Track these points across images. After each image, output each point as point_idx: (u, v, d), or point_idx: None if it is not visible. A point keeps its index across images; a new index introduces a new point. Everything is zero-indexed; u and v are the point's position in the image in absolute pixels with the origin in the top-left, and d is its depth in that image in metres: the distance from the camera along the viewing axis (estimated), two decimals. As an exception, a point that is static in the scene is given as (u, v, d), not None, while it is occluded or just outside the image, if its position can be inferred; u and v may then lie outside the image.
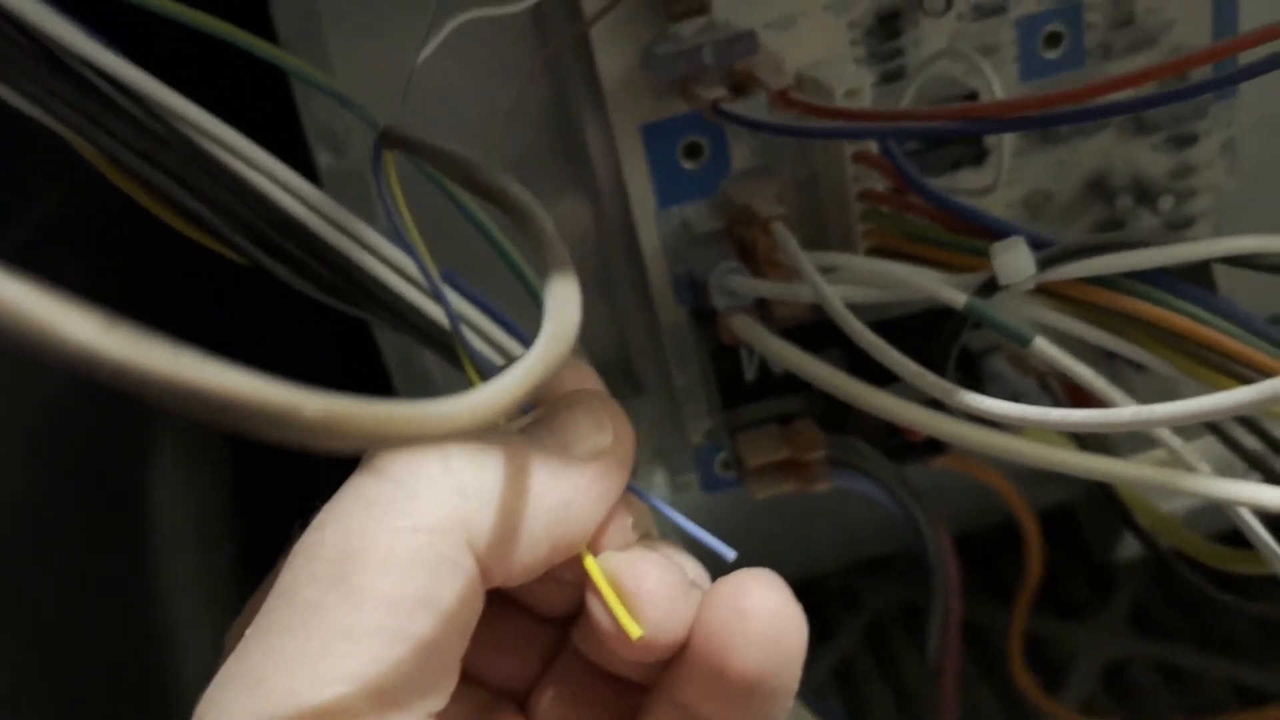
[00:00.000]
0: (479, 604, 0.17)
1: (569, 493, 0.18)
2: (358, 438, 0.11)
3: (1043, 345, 0.22)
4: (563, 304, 0.15)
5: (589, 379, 0.21)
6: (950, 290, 0.22)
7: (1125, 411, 0.18)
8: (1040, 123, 0.22)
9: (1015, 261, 0.22)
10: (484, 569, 0.17)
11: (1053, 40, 0.28)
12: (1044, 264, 0.22)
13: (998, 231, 0.23)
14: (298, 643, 0.15)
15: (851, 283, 0.24)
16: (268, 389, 0.10)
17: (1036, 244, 0.23)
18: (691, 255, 0.28)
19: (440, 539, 0.16)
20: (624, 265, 0.30)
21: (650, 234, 0.29)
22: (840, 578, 0.47)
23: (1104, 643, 0.44)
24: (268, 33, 0.29)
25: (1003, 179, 0.25)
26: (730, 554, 0.20)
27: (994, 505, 0.38)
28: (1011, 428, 0.23)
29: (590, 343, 0.29)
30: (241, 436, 0.11)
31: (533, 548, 0.17)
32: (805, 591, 0.19)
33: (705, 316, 0.28)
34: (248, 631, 0.16)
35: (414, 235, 0.22)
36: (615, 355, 0.32)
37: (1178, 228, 0.30)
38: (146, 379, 0.10)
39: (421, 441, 0.13)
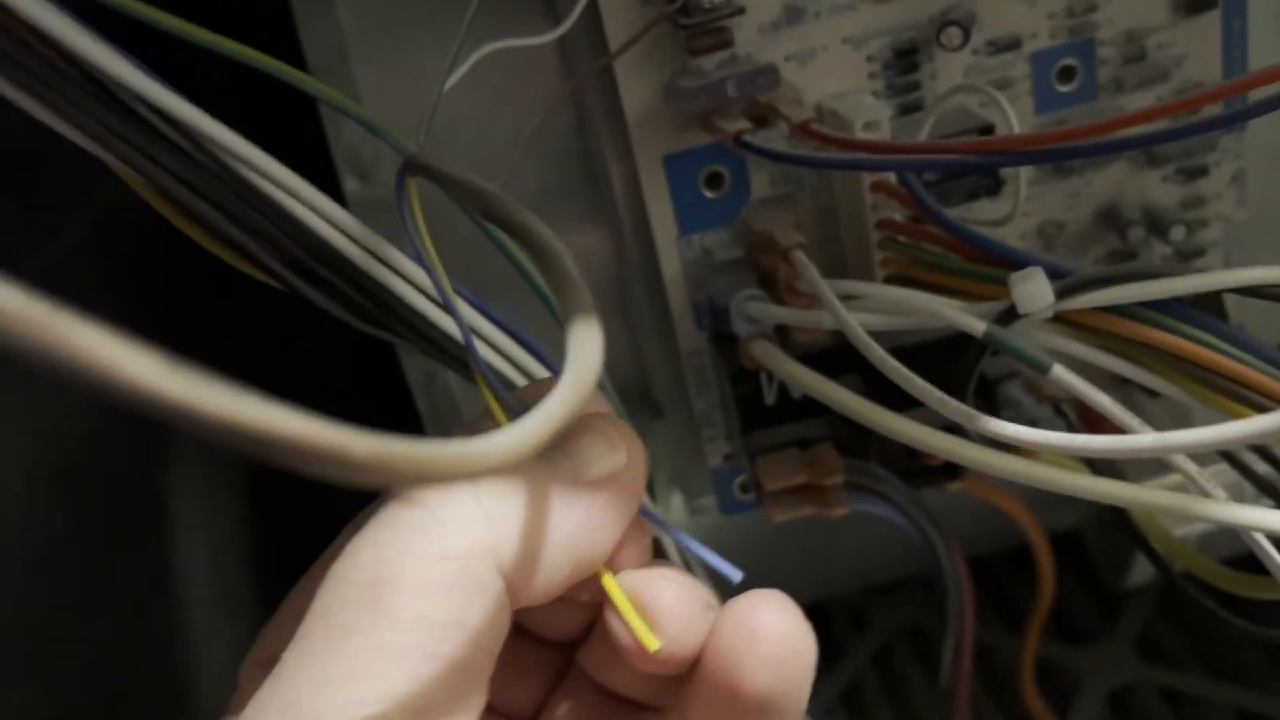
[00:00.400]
0: (506, 625, 0.17)
1: (587, 515, 0.18)
2: (402, 476, 0.12)
3: (1061, 373, 0.22)
4: (585, 346, 0.16)
5: (599, 403, 0.22)
6: (970, 318, 0.23)
7: (1147, 438, 0.18)
8: (1056, 156, 0.23)
9: (1034, 291, 0.22)
10: (511, 591, 0.17)
11: (1066, 74, 0.29)
12: (1061, 293, 0.23)
13: (1015, 261, 0.24)
14: (333, 664, 0.16)
15: (872, 310, 0.25)
16: (320, 430, 0.11)
17: (1053, 273, 0.23)
18: (712, 282, 0.29)
19: (471, 564, 0.17)
20: (644, 292, 0.30)
21: (671, 261, 0.29)
22: (848, 601, 0.47)
23: (1111, 668, 0.44)
24: (297, 63, 0.29)
25: (1019, 210, 0.26)
26: (737, 575, 0.21)
27: (1002, 530, 0.38)
28: (1030, 453, 0.24)
29: (610, 367, 0.30)
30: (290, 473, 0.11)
31: (555, 569, 0.18)
32: (813, 615, 0.19)
33: (725, 342, 0.29)
34: (284, 655, 0.16)
35: (433, 258, 0.22)
36: (635, 380, 0.33)
37: (1189, 257, 0.30)
38: (206, 420, 0.10)
39: (460, 479, 0.14)
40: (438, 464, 0.12)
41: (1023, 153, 0.23)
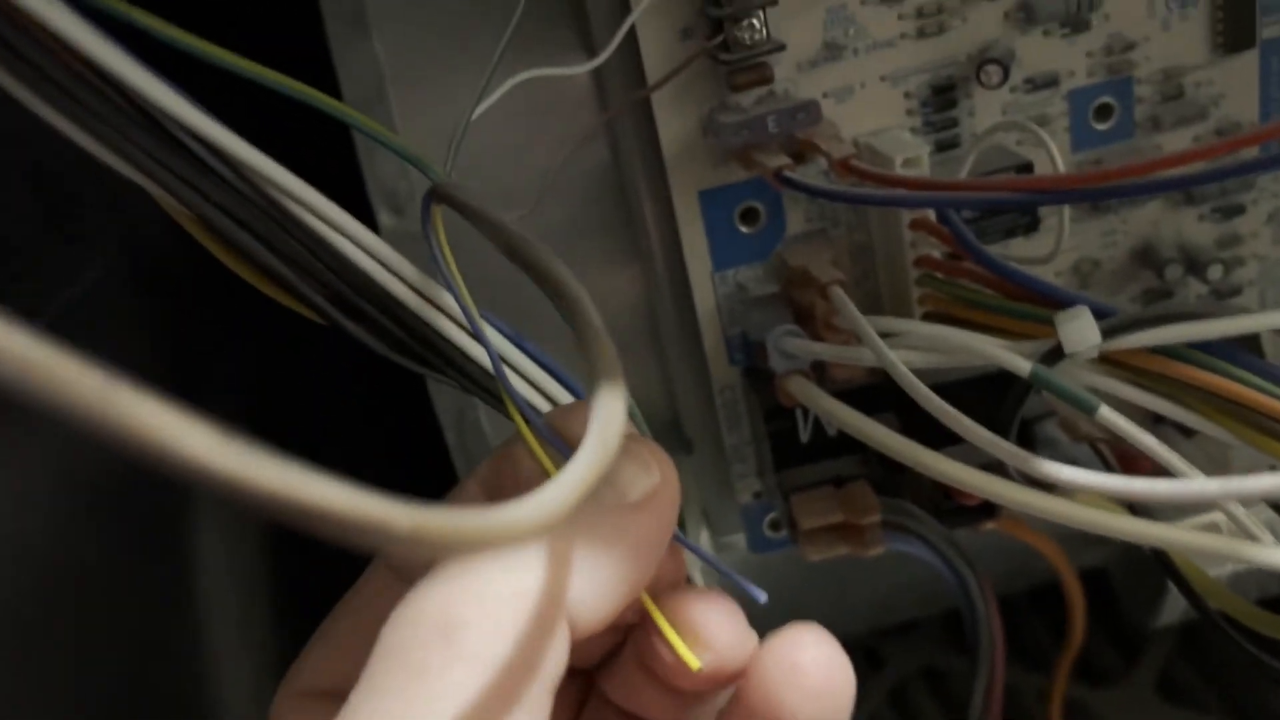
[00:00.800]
0: (567, 658, 0.18)
1: (636, 539, 0.19)
2: (444, 548, 0.12)
3: (1107, 413, 0.22)
4: (608, 405, 0.16)
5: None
6: (1015, 357, 0.23)
7: (1214, 483, 0.18)
8: (1097, 196, 0.23)
9: (1081, 331, 0.22)
10: (573, 625, 0.18)
11: (1103, 112, 0.29)
12: (1107, 333, 0.23)
13: (1058, 300, 0.24)
14: (407, 703, 0.16)
15: (912, 348, 0.25)
16: (363, 504, 0.11)
17: (1096, 312, 0.23)
18: (745, 317, 0.29)
19: (537, 603, 0.17)
20: (676, 325, 0.30)
21: (706, 296, 0.29)
22: (864, 639, 0.47)
23: (1132, 710, 0.44)
24: (333, 94, 0.29)
25: (1062, 248, 0.26)
26: (762, 596, 0.21)
27: (1025, 569, 0.38)
28: (1070, 493, 0.24)
29: (640, 399, 0.30)
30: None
31: (613, 599, 0.18)
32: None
33: (758, 377, 0.29)
34: (352, 697, 0.16)
35: (461, 287, 0.23)
36: (665, 412, 0.33)
37: (1224, 296, 0.30)
38: (257, 493, 0.10)
39: (497, 547, 0.14)
40: (478, 536, 0.13)
41: (1065, 191, 0.23)
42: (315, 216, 0.21)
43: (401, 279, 0.23)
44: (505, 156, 0.29)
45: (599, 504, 0.19)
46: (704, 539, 0.34)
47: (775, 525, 0.32)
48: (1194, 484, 0.18)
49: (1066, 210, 0.26)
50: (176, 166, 0.19)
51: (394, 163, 0.30)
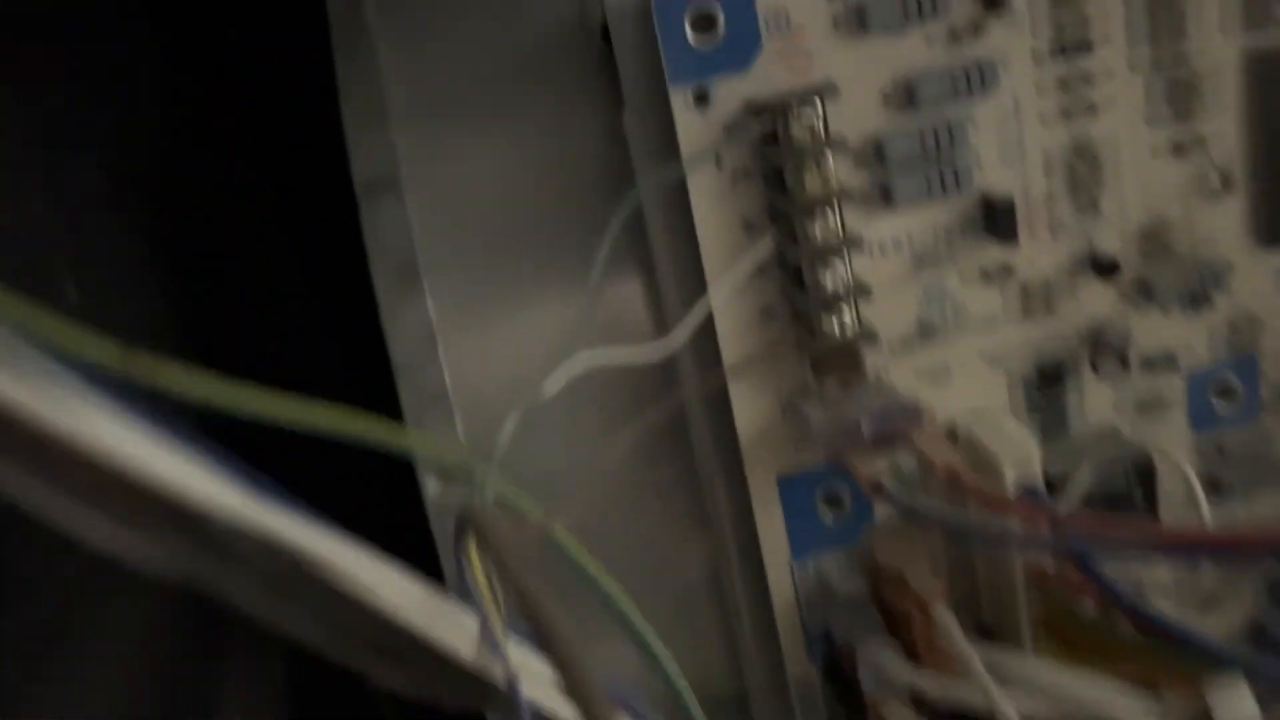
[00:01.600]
0: None
1: None
2: None
3: (1268, 803, 0.19)
4: None
5: None
6: (1159, 731, 0.20)
7: None
8: (1232, 558, 0.20)
9: (1238, 706, 0.19)
10: None
11: (1226, 393, 0.26)
12: (1264, 700, 0.20)
13: (1210, 653, 0.21)
14: None
15: (1029, 690, 0.22)
16: None
17: (1244, 667, 0.20)
18: (829, 613, 0.26)
19: None
20: (749, 609, 0.27)
21: (783, 585, 0.26)
22: None
23: None
24: (381, 352, 0.27)
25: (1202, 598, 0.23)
26: None
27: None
28: None
29: (701, 675, 0.27)
30: None
31: None
32: None
33: (843, 683, 0.26)
34: None
35: (495, 618, 0.20)
36: (730, 690, 0.30)
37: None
38: None
39: None
40: None
41: (1197, 548, 0.20)
42: (354, 583, 0.19)
43: (447, 623, 0.20)
44: (564, 433, 0.27)
45: None
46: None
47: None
48: None
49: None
50: (200, 555, 0.17)
51: (442, 431, 0.27)
